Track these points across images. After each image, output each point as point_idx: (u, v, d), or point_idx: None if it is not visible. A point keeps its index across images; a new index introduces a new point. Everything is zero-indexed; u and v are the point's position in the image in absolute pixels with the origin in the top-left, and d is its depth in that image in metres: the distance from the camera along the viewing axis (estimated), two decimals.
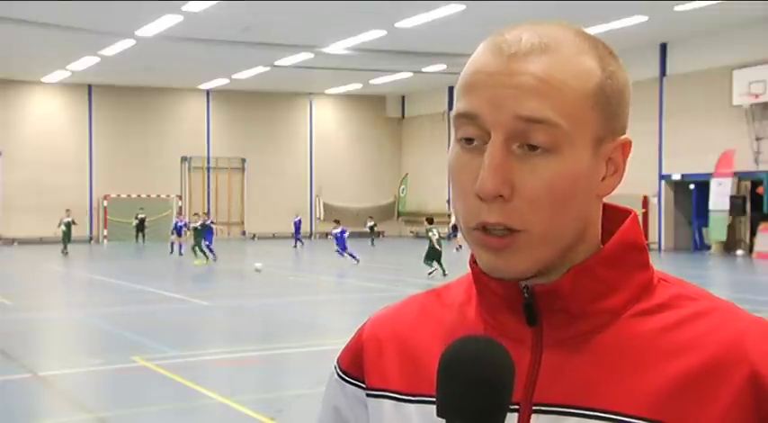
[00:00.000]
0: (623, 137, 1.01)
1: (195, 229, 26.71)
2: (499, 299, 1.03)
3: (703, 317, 0.99)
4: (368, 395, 1.12)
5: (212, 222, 29.53)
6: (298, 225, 36.58)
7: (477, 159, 0.95)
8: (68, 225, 31.66)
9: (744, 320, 0.98)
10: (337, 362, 1.19)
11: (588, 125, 0.96)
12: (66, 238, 31.20)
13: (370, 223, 38.69)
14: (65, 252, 30.45)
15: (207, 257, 25.89)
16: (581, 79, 0.96)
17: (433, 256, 21.07)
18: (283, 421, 7.61)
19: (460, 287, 1.13)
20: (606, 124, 0.98)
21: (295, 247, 35.19)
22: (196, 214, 32.21)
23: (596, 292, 1.00)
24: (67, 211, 32.76)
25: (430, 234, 21.39)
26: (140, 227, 37.25)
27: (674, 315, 0.99)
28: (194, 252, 26.14)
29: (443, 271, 20.68)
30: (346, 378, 1.16)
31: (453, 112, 0.99)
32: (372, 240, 36.98)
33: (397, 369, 1.10)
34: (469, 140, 0.97)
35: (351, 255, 25.47)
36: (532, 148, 0.94)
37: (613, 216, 1.06)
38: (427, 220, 22.84)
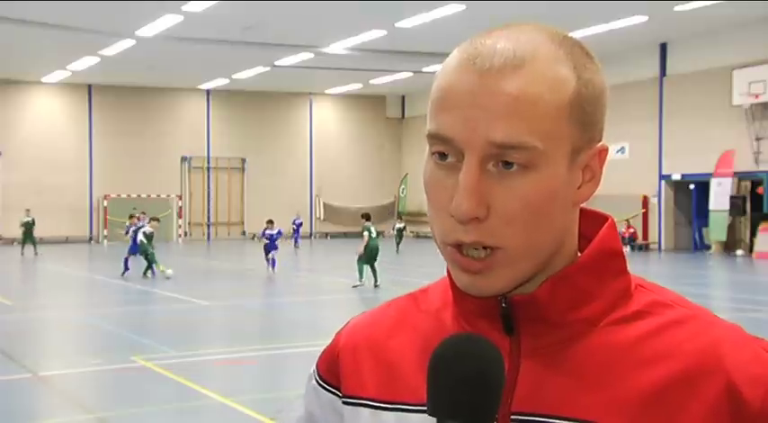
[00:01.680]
0: (600, 144, 0.99)
1: (149, 234, 21.05)
2: (476, 307, 1.02)
3: (679, 325, 0.98)
4: (344, 402, 1.11)
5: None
6: (298, 226, 35.92)
7: (452, 177, 0.94)
8: (27, 225, 30.29)
9: (719, 328, 0.98)
10: (316, 367, 1.18)
11: (564, 138, 0.95)
12: (27, 238, 29.93)
13: (400, 225, 33.23)
14: (23, 254, 29.49)
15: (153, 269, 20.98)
16: (556, 91, 0.94)
17: (367, 259, 18.35)
18: (283, 421, 7.60)
19: (437, 292, 1.12)
20: (583, 134, 0.96)
21: (296, 247, 34.52)
22: (143, 213, 28.26)
23: (574, 300, 0.99)
24: (27, 210, 31.62)
25: (365, 232, 18.66)
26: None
27: (650, 323, 0.99)
28: (152, 266, 21.03)
29: (375, 280, 18.25)
30: (323, 385, 1.15)
31: (426, 131, 0.97)
32: (398, 245, 31.72)
33: (373, 377, 1.09)
34: (443, 155, 0.96)
35: (273, 260, 22.00)
36: (507, 164, 0.93)
37: (590, 222, 1.06)
38: (363, 216, 19.74)
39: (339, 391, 1.13)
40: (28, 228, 30.34)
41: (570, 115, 0.95)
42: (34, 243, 30.11)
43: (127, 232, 22.64)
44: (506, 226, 0.94)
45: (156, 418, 7.99)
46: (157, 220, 22.54)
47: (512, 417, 0.98)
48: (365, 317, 1.18)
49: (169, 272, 20.57)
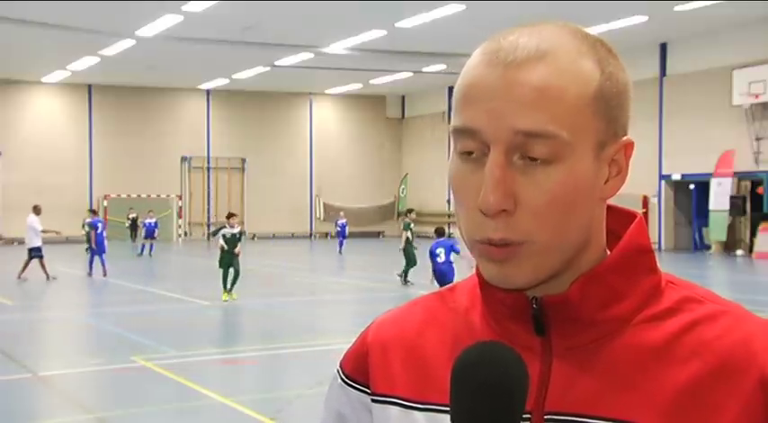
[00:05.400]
0: (625, 138, 1.00)
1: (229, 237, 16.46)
2: (506, 308, 1.02)
3: (711, 321, 0.98)
4: (373, 400, 1.11)
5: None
6: (343, 227, 32.62)
7: (479, 172, 0.94)
8: (91, 226, 31.11)
9: (752, 324, 0.98)
10: (340, 366, 1.17)
11: (589, 131, 0.95)
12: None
13: None
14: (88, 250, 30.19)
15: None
16: (580, 85, 0.94)
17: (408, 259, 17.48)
18: (283, 421, 7.61)
19: (465, 291, 1.12)
20: (608, 128, 0.97)
21: (340, 252, 30.90)
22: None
23: (605, 299, 0.99)
24: (91, 210, 32.24)
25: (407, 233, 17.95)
26: (133, 227, 36.48)
27: (682, 319, 0.99)
28: (233, 282, 16.40)
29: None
30: (350, 383, 1.14)
31: (451, 127, 0.97)
32: None
33: (404, 375, 1.09)
34: (469, 153, 0.96)
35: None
36: (533, 158, 0.93)
37: (618, 219, 1.05)
38: (408, 211, 19.51)
39: (368, 388, 1.12)
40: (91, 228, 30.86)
41: (596, 109, 0.95)
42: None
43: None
44: (533, 219, 0.94)
45: (156, 418, 7.99)
46: (234, 215, 17.19)
47: (545, 416, 0.98)
48: (392, 314, 1.17)
49: (234, 297, 16.29)
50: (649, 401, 0.95)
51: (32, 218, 21.03)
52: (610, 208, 1.05)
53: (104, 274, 21.52)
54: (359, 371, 1.14)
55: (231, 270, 16.18)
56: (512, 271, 0.96)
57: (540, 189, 0.93)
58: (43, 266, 20.34)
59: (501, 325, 1.03)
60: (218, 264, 16.46)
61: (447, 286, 1.16)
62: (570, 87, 0.93)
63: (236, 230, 16.39)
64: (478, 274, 1.04)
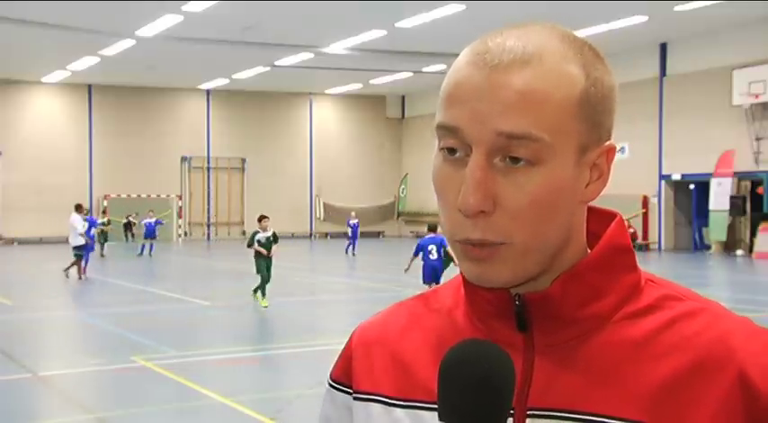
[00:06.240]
0: (608, 143, 1.00)
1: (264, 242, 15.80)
2: (489, 305, 1.03)
3: (690, 318, 0.99)
4: (355, 398, 1.12)
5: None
6: (355, 228, 31.08)
7: (461, 172, 0.95)
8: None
9: (730, 321, 0.99)
10: (330, 372, 1.20)
11: (572, 135, 0.96)
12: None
13: None
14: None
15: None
16: (564, 89, 0.95)
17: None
18: (283, 421, 7.61)
19: (448, 291, 1.13)
20: (590, 132, 0.98)
21: (346, 253, 30.09)
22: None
23: (585, 297, 1.00)
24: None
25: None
26: (128, 227, 36.33)
27: (661, 317, 1.00)
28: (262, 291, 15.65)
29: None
30: (337, 386, 1.17)
31: (435, 123, 0.98)
32: None
33: (386, 374, 1.10)
34: (452, 150, 0.97)
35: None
36: (515, 160, 0.94)
37: (598, 219, 1.07)
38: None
39: (351, 389, 1.14)
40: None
41: (578, 112, 0.96)
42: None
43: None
44: (512, 220, 0.95)
45: (156, 418, 8.00)
46: (265, 217, 16.19)
47: (528, 412, 0.99)
48: (376, 318, 1.19)
49: (264, 304, 15.42)
50: (629, 397, 0.96)
51: (75, 217, 20.80)
52: (590, 209, 1.06)
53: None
54: (344, 374, 1.16)
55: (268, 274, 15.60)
56: (491, 270, 0.97)
57: (521, 191, 0.94)
58: (73, 265, 20.50)
59: (485, 323, 1.04)
60: (256, 270, 15.74)
61: (430, 289, 1.18)
62: (554, 92, 0.94)
63: (269, 233, 15.82)
64: (462, 273, 1.05)
